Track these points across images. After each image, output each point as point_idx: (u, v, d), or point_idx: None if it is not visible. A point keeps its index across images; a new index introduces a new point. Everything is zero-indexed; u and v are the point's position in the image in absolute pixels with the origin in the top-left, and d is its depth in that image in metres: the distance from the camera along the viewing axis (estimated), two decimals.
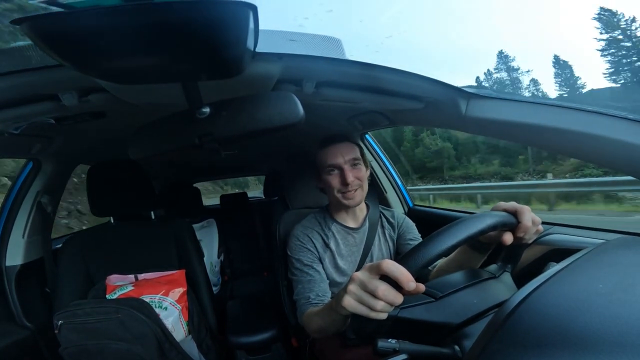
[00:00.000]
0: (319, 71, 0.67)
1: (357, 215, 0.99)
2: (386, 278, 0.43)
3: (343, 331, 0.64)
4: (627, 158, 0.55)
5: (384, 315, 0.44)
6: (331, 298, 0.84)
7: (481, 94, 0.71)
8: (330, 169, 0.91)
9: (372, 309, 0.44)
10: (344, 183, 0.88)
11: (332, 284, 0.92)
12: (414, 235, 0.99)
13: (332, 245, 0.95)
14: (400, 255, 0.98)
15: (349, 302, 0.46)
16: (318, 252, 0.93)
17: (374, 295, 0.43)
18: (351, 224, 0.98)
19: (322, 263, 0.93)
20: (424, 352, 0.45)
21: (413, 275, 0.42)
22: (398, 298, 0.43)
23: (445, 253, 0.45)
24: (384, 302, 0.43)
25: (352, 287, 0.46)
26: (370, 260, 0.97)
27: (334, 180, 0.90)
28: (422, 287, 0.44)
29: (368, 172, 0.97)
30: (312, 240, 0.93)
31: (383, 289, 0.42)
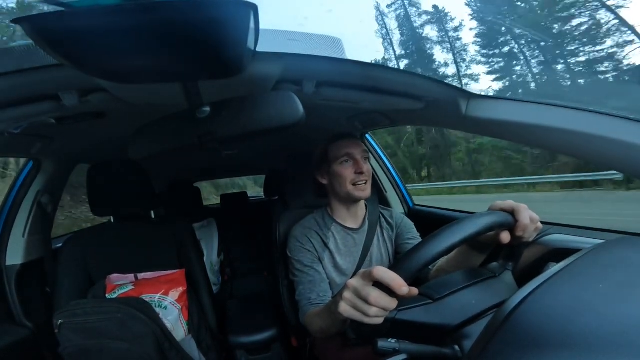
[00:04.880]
0: (320, 71, 0.67)
1: (358, 216, 0.99)
2: (379, 284, 0.44)
3: (343, 331, 0.64)
4: (627, 158, 0.55)
5: (379, 320, 0.45)
6: (332, 298, 0.84)
7: (481, 94, 0.71)
8: (345, 159, 0.91)
9: (365, 314, 0.45)
10: (359, 172, 0.89)
11: (332, 284, 0.92)
12: (412, 234, 0.99)
13: (332, 245, 0.94)
14: (399, 255, 0.98)
15: (345, 309, 0.47)
16: (317, 252, 0.93)
17: (367, 301, 0.44)
18: (351, 225, 0.98)
19: (321, 263, 0.93)
20: (424, 352, 0.45)
21: (407, 280, 0.43)
22: (391, 303, 0.44)
23: (440, 257, 0.45)
24: (376, 308, 0.44)
25: (347, 294, 0.47)
26: (369, 261, 0.97)
27: (347, 170, 0.91)
28: (415, 290, 0.44)
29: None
30: (310, 240, 0.93)
31: (375, 295, 0.43)
